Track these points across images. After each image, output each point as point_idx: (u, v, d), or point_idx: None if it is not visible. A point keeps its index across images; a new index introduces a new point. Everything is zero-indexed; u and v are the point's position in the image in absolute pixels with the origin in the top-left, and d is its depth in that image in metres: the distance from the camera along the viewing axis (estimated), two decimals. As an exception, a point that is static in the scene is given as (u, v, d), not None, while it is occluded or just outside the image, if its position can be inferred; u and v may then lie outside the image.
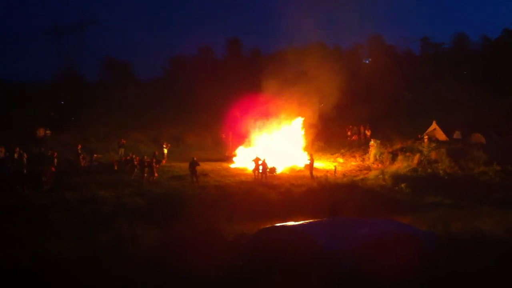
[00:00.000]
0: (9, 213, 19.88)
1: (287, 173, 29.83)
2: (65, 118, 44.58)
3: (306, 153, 30.88)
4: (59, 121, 42.89)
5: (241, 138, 35.77)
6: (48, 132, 39.36)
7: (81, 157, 30.57)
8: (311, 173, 28.29)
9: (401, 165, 29.71)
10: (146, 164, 27.48)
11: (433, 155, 30.32)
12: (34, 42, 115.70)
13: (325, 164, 33.07)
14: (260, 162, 27.99)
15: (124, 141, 34.82)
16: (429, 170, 28.38)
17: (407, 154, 31.11)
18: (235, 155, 34.25)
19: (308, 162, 30.53)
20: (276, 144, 34.22)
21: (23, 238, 15.95)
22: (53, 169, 26.29)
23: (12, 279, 11.47)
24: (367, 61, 58.84)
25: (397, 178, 26.68)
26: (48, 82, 56.56)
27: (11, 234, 16.71)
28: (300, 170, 30.45)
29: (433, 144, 32.09)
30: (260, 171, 27.83)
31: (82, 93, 50.11)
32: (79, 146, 31.63)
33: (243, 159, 31.89)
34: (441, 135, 36.08)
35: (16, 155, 29.52)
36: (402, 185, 25.25)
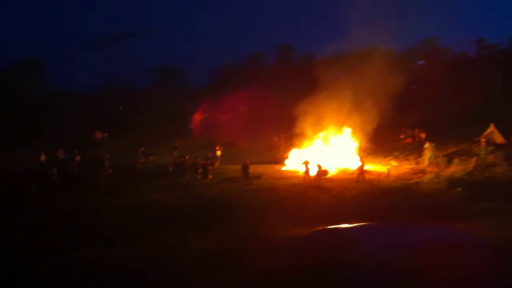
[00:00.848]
0: (62, 216, 20.61)
1: (339, 175, 29.75)
2: (122, 123, 46.05)
3: (357, 156, 30.54)
4: (116, 125, 44.36)
5: (293, 140, 35.91)
6: (105, 135, 40.85)
7: (139, 160, 31.51)
8: (359, 176, 27.99)
9: (456, 168, 28.95)
10: (199, 166, 28.14)
11: (490, 159, 29.39)
12: (92, 51, 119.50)
13: (378, 167, 32.72)
14: (309, 165, 28.07)
15: (178, 144, 35.66)
16: (486, 174, 27.51)
17: (463, 157, 30.29)
18: (287, 158, 34.44)
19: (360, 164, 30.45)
20: (329, 146, 34.21)
21: (74, 244, 16.31)
22: (110, 171, 27.30)
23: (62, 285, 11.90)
24: (420, 63, 57.85)
25: (453, 181, 26.04)
26: (105, 89, 58.69)
27: (63, 238, 17.17)
28: (352, 173, 30.26)
29: (491, 147, 31.14)
30: (313, 173, 27.90)
31: (137, 99, 51.63)
32: (141, 149, 32.65)
33: (295, 162, 32.00)
34: (499, 138, 34.89)
35: (77, 158, 30.68)
36: (458, 189, 24.65)
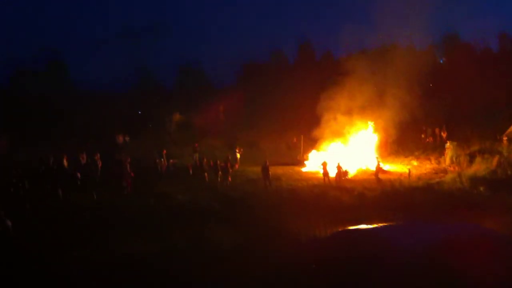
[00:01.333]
0: (87, 216, 20.98)
1: (360, 176, 29.64)
2: (143, 124, 46.50)
3: (376, 157, 30.33)
4: (138, 127, 44.81)
5: (313, 142, 35.87)
6: (127, 138, 41.26)
7: (161, 162, 31.77)
8: (376, 176, 27.82)
9: (479, 167, 28.59)
10: (219, 168, 28.26)
11: (513, 157, 29.10)
12: (113, 52, 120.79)
13: (399, 167, 32.51)
14: (328, 167, 28.02)
15: (197, 146, 35.85)
16: (509, 172, 27.14)
17: (486, 155, 29.87)
18: (307, 159, 34.40)
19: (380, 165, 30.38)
20: (349, 147, 34.11)
21: (102, 240, 16.73)
22: (132, 174, 27.55)
23: (88, 281, 12.13)
24: (441, 61, 57.29)
25: (475, 180, 25.75)
26: (127, 90, 59.29)
27: (88, 236, 17.54)
28: (372, 173, 30.15)
29: (513, 145, 30.79)
30: (333, 174, 27.84)
31: (158, 100, 52.03)
32: (164, 151, 32.93)
33: (315, 163, 31.96)
34: (522, 136, 34.43)
35: (99, 162, 30.95)
36: (481, 188, 24.38)
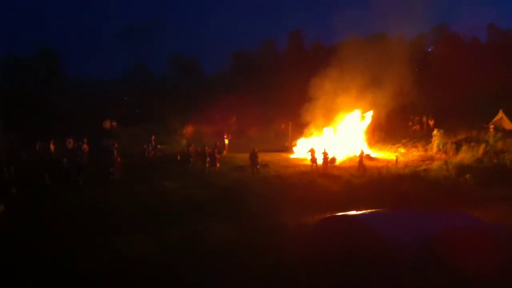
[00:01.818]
0: (77, 206, 20.63)
1: (347, 163, 29.73)
2: (134, 111, 46.35)
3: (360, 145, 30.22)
4: (129, 114, 44.63)
5: (301, 129, 35.91)
6: (114, 123, 41.04)
7: (148, 148, 31.71)
8: (360, 164, 27.78)
9: (465, 155, 28.83)
10: (207, 154, 28.20)
11: (499, 145, 29.32)
12: (105, 41, 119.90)
13: (387, 155, 32.68)
14: (316, 153, 28.06)
15: (186, 132, 35.79)
16: (495, 160, 27.38)
17: (472, 144, 30.13)
18: (295, 146, 34.46)
19: (369, 153, 30.63)
20: (336, 134, 34.19)
21: (90, 232, 16.39)
22: (119, 159, 27.42)
23: (81, 273, 12.03)
24: (430, 49, 57.45)
25: (461, 169, 25.96)
26: (119, 78, 59.02)
27: (80, 228, 17.13)
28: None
29: (500, 134, 31.02)
30: (321, 161, 27.90)
31: (150, 88, 51.87)
32: (153, 137, 32.86)
33: (303, 150, 32.01)
34: (508, 125, 34.62)
35: (86, 147, 30.77)
36: (467, 176, 24.58)
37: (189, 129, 37.58)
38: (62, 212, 19.45)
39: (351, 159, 30.44)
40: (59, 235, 15.97)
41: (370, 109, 34.51)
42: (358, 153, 28.88)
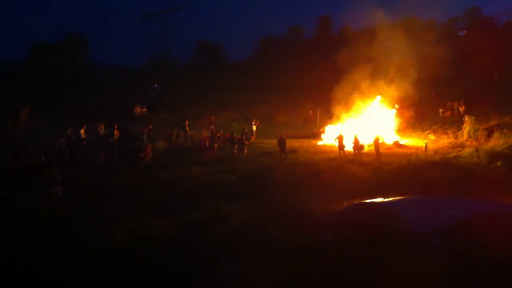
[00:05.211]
0: (104, 191, 21.14)
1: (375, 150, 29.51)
2: (161, 97, 46.81)
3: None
4: (156, 100, 45.13)
5: (330, 115, 35.80)
6: (144, 110, 41.60)
7: (179, 132, 32.20)
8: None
9: (497, 142, 28.22)
10: (236, 140, 28.42)
11: (532, 132, 28.70)
12: (130, 28, 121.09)
13: (416, 141, 32.36)
14: (344, 140, 27.89)
15: (213, 118, 36.04)
16: (527, 147, 26.85)
17: (504, 130, 29.45)
18: (323, 132, 34.38)
19: (397, 139, 30.39)
20: (365, 121, 33.95)
21: (116, 217, 16.71)
22: (149, 145, 27.89)
23: (104, 256, 12.35)
24: (462, 34, 56.38)
25: (493, 155, 25.41)
26: (145, 65, 59.60)
27: (105, 212, 17.60)
28: (389, 147, 30.09)
29: (533, 120, 30.37)
30: (349, 148, 27.72)
31: (176, 74, 52.23)
32: (187, 122, 33.32)
33: (331, 136, 31.92)
34: (542, 111, 33.83)
35: (116, 133, 31.30)
36: (498, 163, 24.13)
37: (216, 115, 37.77)
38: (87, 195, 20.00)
39: (380, 146, 30.21)
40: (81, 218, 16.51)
41: (399, 95, 34.12)
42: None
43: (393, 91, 34.19)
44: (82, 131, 31.50)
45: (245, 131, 31.58)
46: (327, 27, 64.58)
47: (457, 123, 34.01)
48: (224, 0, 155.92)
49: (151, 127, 32.39)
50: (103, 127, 32.79)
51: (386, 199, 10.50)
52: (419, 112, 37.50)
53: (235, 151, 27.95)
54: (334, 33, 63.43)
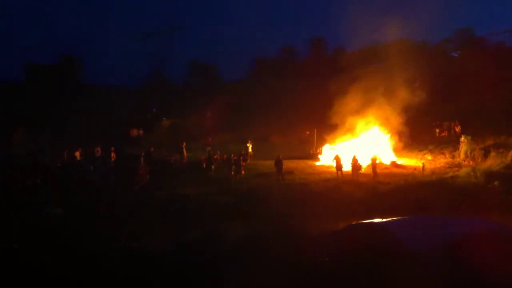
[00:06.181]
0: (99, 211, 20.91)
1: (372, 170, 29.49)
2: (156, 119, 46.91)
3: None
4: (151, 122, 45.20)
5: (326, 136, 35.83)
6: (141, 132, 41.64)
7: (175, 154, 32.21)
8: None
9: (493, 162, 28.27)
10: (233, 162, 28.39)
11: (528, 152, 28.73)
12: (125, 48, 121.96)
13: (413, 161, 32.36)
14: (341, 161, 27.86)
15: (210, 140, 36.08)
16: (524, 167, 26.85)
17: (500, 150, 29.52)
18: (320, 153, 34.37)
19: (394, 160, 30.39)
20: (361, 141, 33.98)
21: (112, 235, 16.60)
22: (147, 168, 27.78)
23: (101, 274, 12.26)
24: (455, 55, 56.90)
25: (490, 175, 25.44)
26: (139, 85, 59.87)
27: (101, 231, 17.41)
28: (386, 167, 30.06)
29: (529, 140, 30.45)
30: (349, 168, 27.62)
31: (170, 96, 52.45)
32: (184, 144, 33.32)
33: (328, 157, 31.90)
34: (537, 130, 33.93)
35: (113, 155, 31.24)
36: (495, 183, 24.15)
37: (213, 136, 37.84)
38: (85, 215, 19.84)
39: (377, 166, 30.20)
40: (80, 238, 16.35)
41: (395, 116, 34.19)
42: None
43: (389, 111, 34.26)
44: (77, 153, 31.41)
45: (242, 152, 31.57)
46: (320, 48, 65.11)
47: (454, 143, 34.11)
48: (218, 22, 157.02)
49: (152, 149, 32.35)
50: (99, 149, 32.75)
51: (383, 220, 10.48)
52: (414, 132, 37.58)
53: (232, 172, 27.88)
54: (327, 54, 63.93)
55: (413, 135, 37.56)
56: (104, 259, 13.62)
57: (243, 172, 28.24)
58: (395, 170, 29.46)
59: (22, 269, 12.73)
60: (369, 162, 28.42)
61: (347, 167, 27.79)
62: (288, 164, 29.44)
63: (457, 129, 37.08)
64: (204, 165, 30.30)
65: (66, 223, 19.05)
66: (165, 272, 12.18)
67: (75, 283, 11.68)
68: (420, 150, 35.16)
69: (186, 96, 53.19)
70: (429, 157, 33.35)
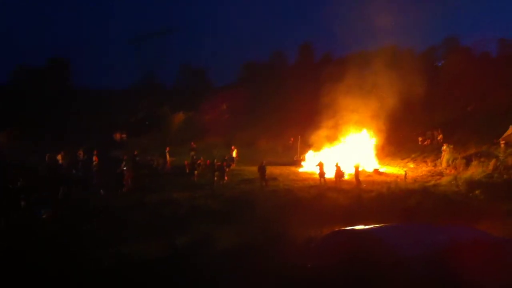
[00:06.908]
0: (89, 215, 20.75)
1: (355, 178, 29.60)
2: (143, 123, 46.62)
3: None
4: (137, 125, 44.89)
5: (310, 142, 35.88)
6: (123, 136, 41.31)
7: (158, 159, 32.00)
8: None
9: (475, 170, 28.56)
10: (216, 167, 28.25)
11: (509, 161, 29.02)
12: (114, 51, 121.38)
13: (395, 169, 32.54)
14: (324, 167, 27.90)
15: (194, 145, 35.92)
16: (505, 176, 27.07)
17: (482, 159, 29.85)
18: (303, 159, 34.41)
19: (377, 167, 30.55)
20: (345, 148, 34.10)
21: (103, 239, 16.59)
22: (131, 171, 27.58)
23: (92, 279, 12.15)
24: (440, 64, 57.46)
25: (471, 184, 25.72)
26: (128, 88, 59.47)
27: (92, 235, 17.44)
28: (369, 175, 30.17)
29: (510, 149, 30.79)
30: (332, 175, 27.68)
31: (159, 99, 52.18)
32: (168, 149, 33.12)
33: (311, 164, 31.94)
34: (519, 140, 34.33)
35: (95, 158, 30.93)
36: (476, 192, 24.37)
37: (197, 140, 37.68)
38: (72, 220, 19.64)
39: (360, 174, 30.32)
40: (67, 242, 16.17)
41: (379, 123, 34.40)
42: (377, 167, 28.64)
43: (373, 119, 34.47)
44: (59, 156, 31.02)
45: (226, 158, 31.48)
46: (308, 54, 65.27)
47: (436, 152, 34.34)
48: (209, 26, 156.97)
49: (136, 153, 32.16)
50: (82, 152, 32.43)
51: (367, 226, 10.49)
52: (398, 140, 37.82)
53: (216, 178, 27.74)
54: (315, 60, 64.08)
55: (396, 143, 37.78)
56: (93, 263, 13.53)
57: (226, 177, 28.14)
58: (378, 177, 29.61)
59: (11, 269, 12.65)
60: (352, 169, 28.49)
61: (330, 174, 27.85)
62: (272, 170, 29.46)
63: (439, 137, 37.35)
64: (187, 170, 30.17)
65: (55, 226, 18.90)
66: (155, 277, 12.12)
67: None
68: (403, 158, 35.39)
69: (173, 100, 52.88)
70: (411, 165, 33.58)
